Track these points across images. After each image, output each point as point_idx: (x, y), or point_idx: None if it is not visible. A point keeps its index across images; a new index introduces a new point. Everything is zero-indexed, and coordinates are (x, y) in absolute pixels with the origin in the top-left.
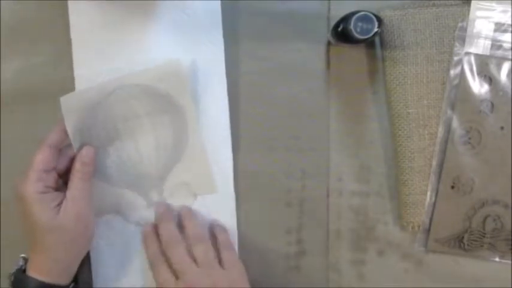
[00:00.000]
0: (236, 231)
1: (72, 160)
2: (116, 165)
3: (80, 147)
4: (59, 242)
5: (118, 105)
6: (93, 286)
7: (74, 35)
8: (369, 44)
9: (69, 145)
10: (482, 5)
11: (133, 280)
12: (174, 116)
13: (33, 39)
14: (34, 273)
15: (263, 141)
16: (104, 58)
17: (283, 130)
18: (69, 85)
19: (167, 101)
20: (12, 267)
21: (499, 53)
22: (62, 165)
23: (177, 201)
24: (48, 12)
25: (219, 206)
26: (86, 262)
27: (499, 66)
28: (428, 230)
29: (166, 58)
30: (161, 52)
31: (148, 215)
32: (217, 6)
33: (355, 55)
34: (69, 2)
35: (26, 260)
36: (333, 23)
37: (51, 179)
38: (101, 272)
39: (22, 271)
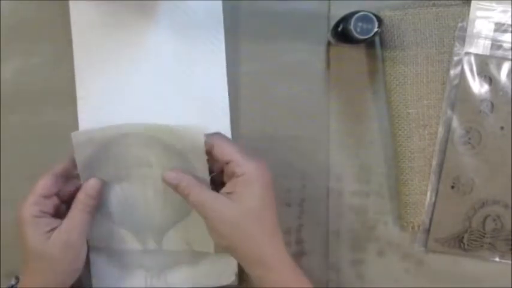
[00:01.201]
0: None
1: (78, 189)
2: (120, 206)
3: (87, 179)
4: (46, 269)
5: (133, 150)
6: (93, 286)
7: (74, 35)
8: (369, 44)
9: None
10: (482, 5)
11: (134, 281)
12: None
13: (33, 39)
14: None
15: (263, 141)
16: (105, 58)
17: (283, 130)
18: (69, 85)
19: (183, 159)
20: (9, 272)
21: (499, 53)
22: (68, 191)
23: (172, 253)
24: (48, 12)
25: None
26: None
27: (499, 66)
28: (428, 230)
29: (185, 124)
30: (162, 51)
31: (141, 260)
32: (218, 5)
33: (355, 55)
34: (70, 2)
35: (18, 279)
36: (333, 23)
37: (50, 204)
38: (101, 272)
39: None
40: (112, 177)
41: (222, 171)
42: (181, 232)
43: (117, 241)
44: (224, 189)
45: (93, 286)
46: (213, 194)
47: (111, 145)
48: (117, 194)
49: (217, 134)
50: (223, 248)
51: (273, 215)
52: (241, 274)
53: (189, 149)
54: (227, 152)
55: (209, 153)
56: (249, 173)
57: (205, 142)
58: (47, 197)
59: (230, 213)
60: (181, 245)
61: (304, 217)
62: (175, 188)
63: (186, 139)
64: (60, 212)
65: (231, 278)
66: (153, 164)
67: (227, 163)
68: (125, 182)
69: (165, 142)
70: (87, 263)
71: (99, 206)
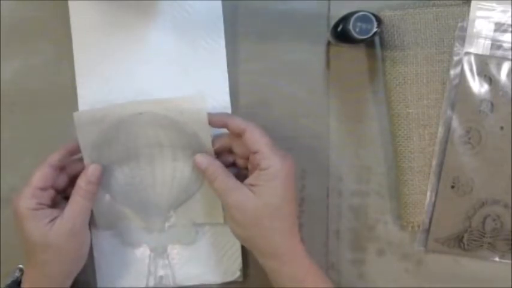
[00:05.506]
0: None
1: (74, 178)
2: (126, 185)
3: (92, 163)
4: (51, 260)
5: (144, 130)
6: (97, 285)
7: (74, 34)
8: (369, 43)
9: (74, 162)
10: (482, 5)
11: (138, 279)
12: (195, 152)
13: (33, 39)
14: (28, 286)
15: None
16: (105, 57)
17: (283, 130)
18: (69, 85)
19: (188, 134)
20: (9, 271)
21: (499, 53)
22: (63, 181)
23: (176, 233)
24: (49, 12)
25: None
26: (88, 262)
27: (499, 66)
28: (428, 230)
29: (189, 94)
30: (163, 50)
31: (145, 238)
32: (218, 4)
33: (355, 55)
34: (69, 2)
35: (22, 271)
36: (333, 23)
37: (46, 196)
38: (105, 271)
39: (17, 283)
40: (121, 158)
41: (247, 158)
42: (187, 209)
43: (121, 220)
44: (247, 180)
45: (95, 262)
46: (237, 184)
47: (121, 126)
48: (124, 175)
49: (252, 122)
50: (240, 237)
51: (292, 210)
52: (246, 270)
53: (192, 121)
54: (257, 142)
55: (238, 135)
56: (273, 168)
57: (238, 126)
58: (43, 189)
59: (250, 206)
60: (188, 221)
61: (304, 217)
62: (203, 172)
63: (188, 110)
64: (56, 203)
65: (235, 274)
66: (163, 143)
67: (254, 153)
68: (133, 162)
69: (171, 119)
70: (91, 254)
71: (105, 186)
